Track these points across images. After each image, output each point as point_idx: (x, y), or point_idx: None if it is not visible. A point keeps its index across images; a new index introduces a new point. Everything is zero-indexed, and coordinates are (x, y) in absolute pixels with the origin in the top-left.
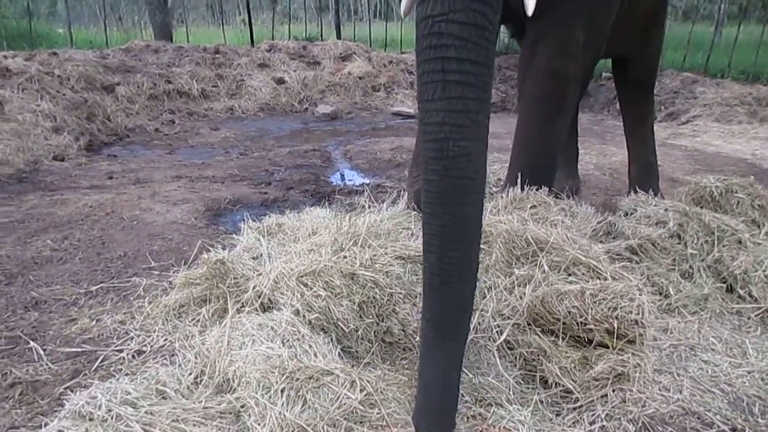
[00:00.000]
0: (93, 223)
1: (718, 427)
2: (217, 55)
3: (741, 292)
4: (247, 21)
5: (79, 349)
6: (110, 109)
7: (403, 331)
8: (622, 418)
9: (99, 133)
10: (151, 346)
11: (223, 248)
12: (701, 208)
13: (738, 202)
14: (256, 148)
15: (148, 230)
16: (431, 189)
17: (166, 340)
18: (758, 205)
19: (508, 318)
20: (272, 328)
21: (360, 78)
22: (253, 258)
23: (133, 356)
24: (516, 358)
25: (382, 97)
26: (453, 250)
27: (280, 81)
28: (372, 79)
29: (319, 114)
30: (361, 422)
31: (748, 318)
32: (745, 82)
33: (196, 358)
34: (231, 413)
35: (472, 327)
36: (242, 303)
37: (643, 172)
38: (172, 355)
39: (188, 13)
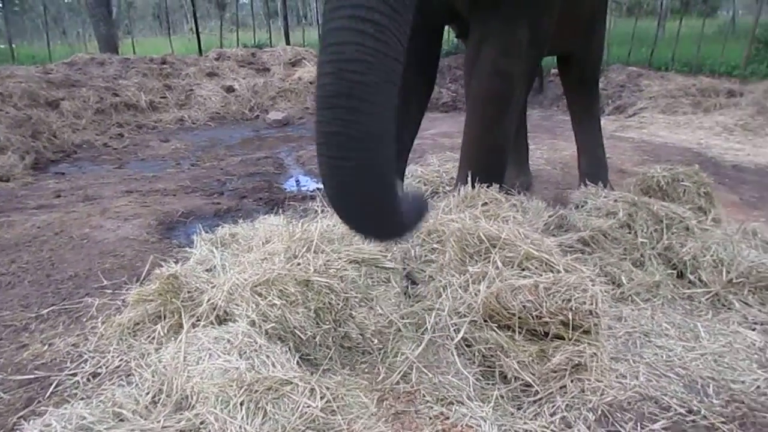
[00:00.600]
0: (41, 244)
1: (675, 410)
2: (164, 66)
3: (691, 277)
4: (194, 30)
5: (32, 376)
6: (56, 125)
7: (361, 335)
8: (581, 408)
9: (45, 151)
10: (107, 368)
11: (176, 262)
12: (650, 197)
13: (684, 190)
14: (207, 158)
15: (99, 248)
16: (322, 93)
17: (121, 360)
18: (704, 193)
19: (465, 316)
20: (228, 340)
21: (310, 83)
22: (207, 270)
23: (88, 379)
24: (474, 355)
25: None
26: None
27: (230, 89)
28: None
29: (271, 121)
30: (323, 430)
31: (699, 302)
32: (688, 74)
33: (153, 376)
34: (191, 430)
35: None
36: (197, 317)
37: (593, 165)
38: (129, 375)
39: (134, 23)
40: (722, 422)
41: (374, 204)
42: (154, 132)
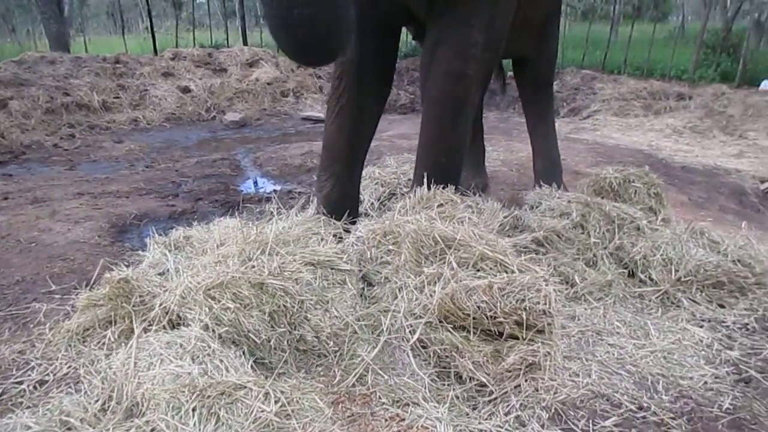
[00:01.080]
0: None
1: (626, 406)
2: (117, 65)
3: (642, 276)
4: (149, 28)
5: None
6: (3, 125)
7: (316, 337)
8: (535, 407)
9: None
10: (54, 375)
11: (128, 266)
12: (602, 198)
13: (635, 191)
14: (162, 159)
15: (48, 252)
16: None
17: (69, 367)
18: (654, 193)
19: (420, 317)
20: (181, 345)
21: (268, 84)
22: (160, 274)
23: (35, 387)
24: (430, 356)
25: (291, 102)
26: None
27: (186, 90)
28: (280, 84)
29: (228, 122)
30: None
31: (650, 300)
32: (639, 78)
33: (102, 383)
34: None
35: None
36: (149, 321)
37: (547, 167)
38: (77, 382)
39: (87, 21)
40: (671, 418)
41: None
42: (107, 133)
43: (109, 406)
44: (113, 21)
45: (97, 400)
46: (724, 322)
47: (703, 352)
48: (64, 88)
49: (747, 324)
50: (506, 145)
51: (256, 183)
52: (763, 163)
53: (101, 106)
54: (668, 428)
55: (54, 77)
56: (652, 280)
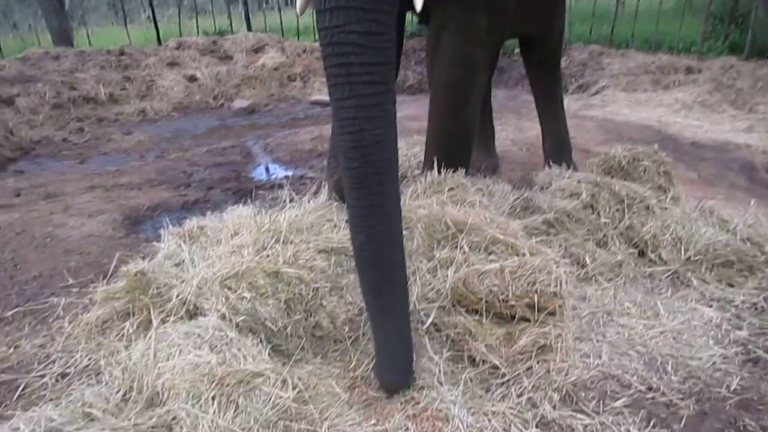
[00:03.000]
0: (2, 245)
1: (636, 387)
2: (122, 57)
3: (652, 256)
4: (152, 18)
5: None
6: (12, 122)
7: (332, 323)
8: (547, 388)
9: (2, 149)
10: (75, 368)
11: (143, 258)
12: (611, 177)
13: (645, 169)
14: (172, 149)
15: (63, 246)
16: (354, 175)
17: (90, 359)
18: (663, 172)
19: (433, 301)
20: (199, 335)
21: (275, 69)
22: (175, 265)
23: (57, 380)
24: (444, 339)
25: (299, 87)
26: (382, 225)
27: (192, 78)
28: (287, 69)
29: (236, 109)
30: (295, 420)
31: (660, 280)
32: (647, 52)
33: (123, 374)
34: (163, 427)
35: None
36: (167, 313)
37: (557, 146)
38: (98, 374)
39: (88, 14)
40: (680, 398)
41: None
42: (115, 125)
43: (130, 397)
44: (114, 12)
45: (118, 391)
46: (733, 301)
47: (712, 332)
48: (70, 83)
49: (756, 303)
50: (516, 124)
51: (267, 170)
52: None
53: (108, 98)
54: (677, 409)
55: (59, 72)
56: (662, 259)
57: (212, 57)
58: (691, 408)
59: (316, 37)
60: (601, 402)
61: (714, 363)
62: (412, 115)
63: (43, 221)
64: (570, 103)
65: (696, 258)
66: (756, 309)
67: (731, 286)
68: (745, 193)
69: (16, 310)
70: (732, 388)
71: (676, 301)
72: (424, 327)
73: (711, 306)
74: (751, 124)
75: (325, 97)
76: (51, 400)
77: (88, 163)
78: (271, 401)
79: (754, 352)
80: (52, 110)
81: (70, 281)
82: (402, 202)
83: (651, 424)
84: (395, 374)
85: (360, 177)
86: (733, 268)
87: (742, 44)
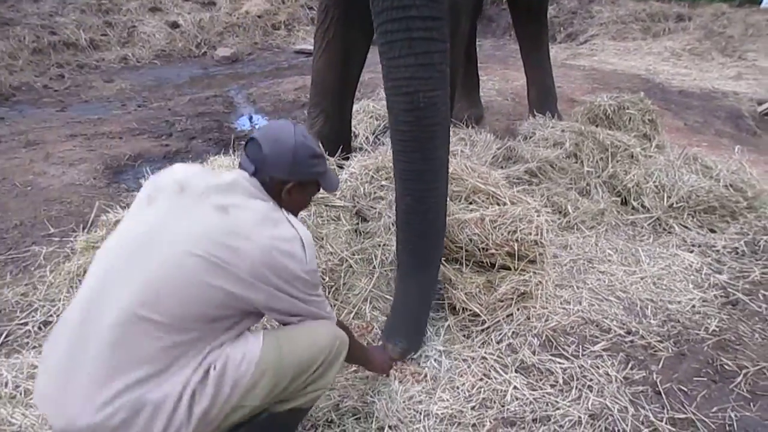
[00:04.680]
0: None
1: (615, 331)
2: (103, 1)
3: (634, 203)
4: None
5: None
6: None
7: None
8: (527, 334)
9: None
10: (57, 316)
11: (123, 207)
12: (596, 126)
13: (630, 117)
14: (154, 98)
15: (44, 195)
16: (405, 139)
17: None
18: (649, 120)
19: None
20: None
21: (259, 17)
22: None
23: (39, 328)
24: None
25: (283, 35)
26: (431, 189)
27: (175, 25)
28: (271, 17)
29: (219, 57)
30: None
31: (642, 227)
32: None
33: None
34: None
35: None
36: None
37: (541, 95)
38: None
39: None
40: (658, 341)
41: None
42: (96, 72)
43: None
44: None
45: None
46: (714, 246)
47: (692, 277)
48: (50, 27)
49: (737, 248)
50: (502, 74)
51: (250, 119)
52: (761, 85)
53: (89, 44)
54: (655, 351)
55: (39, 15)
56: (644, 207)
57: (195, 3)
58: (670, 350)
59: None
60: (581, 346)
61: (693, 306)
62: None
63: (24, 169)
64: (558, 52)
65: (678, 205)
66: (737, 253)
67: (713, 231)
68: (730, 140)
69: None
70: (710, 330)
71: (657, 247)
72: None
73: (692, 251)
74: (740, 71)
75: (309, 47)
76: (34, 347)
77: (69, 111)
78: None
79: (734, 294)
80: (32, 55)
81: (51, 230)
82: (383, 153)
83: (629, 366)
84: (407, 339)
85: (412, 141)
86: (716, 214)
87: None
